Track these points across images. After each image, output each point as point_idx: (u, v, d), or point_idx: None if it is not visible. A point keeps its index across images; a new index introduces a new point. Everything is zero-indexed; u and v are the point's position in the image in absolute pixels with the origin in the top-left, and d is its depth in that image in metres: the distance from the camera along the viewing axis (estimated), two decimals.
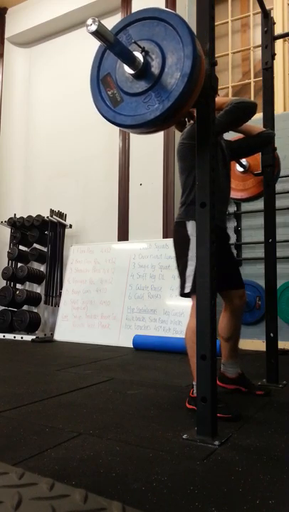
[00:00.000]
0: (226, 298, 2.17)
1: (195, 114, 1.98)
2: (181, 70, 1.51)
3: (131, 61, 1.57)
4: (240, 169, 2.67)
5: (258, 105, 2.09)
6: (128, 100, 1.64)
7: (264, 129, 2.20)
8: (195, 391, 1.79)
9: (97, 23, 1.43)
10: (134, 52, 1.59)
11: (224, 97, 2.10)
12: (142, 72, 1.58)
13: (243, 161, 2.64)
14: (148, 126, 1.62)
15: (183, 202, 2.07)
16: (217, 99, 1.96)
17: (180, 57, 1.53)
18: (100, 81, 1.72)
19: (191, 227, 1.95)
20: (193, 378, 1.85)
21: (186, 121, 2.11)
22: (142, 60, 1.58)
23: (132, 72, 1.60)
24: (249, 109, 1.96)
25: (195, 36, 1.56)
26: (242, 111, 1.94)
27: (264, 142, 2.25)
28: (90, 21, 1.43)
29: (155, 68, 1.57)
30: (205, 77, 1.56)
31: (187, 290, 1.93)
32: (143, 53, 1.58)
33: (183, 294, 1.99)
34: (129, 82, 1.63)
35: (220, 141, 2.15)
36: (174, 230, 2.09)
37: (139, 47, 1.59)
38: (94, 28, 1.43)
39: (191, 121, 2.07)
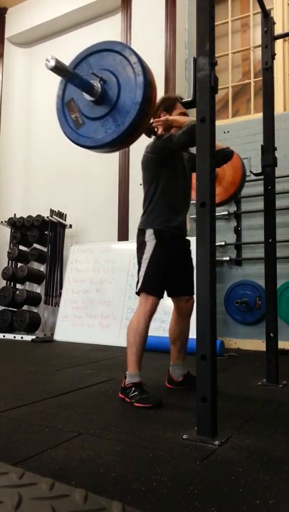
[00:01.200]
0: (175, 302, 2.33)
1: (158, 131, 2.14)
2: (133, 99, 1.71)
3: (89, 90, 1.76)
4: None
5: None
6: (89, 123, 1.83)
7: (223, 147, 2.23)
8: (127, 381, 2.05)
9: (54, 60, 1.61)
10: (92, 81, 1.77)
11: (183, 116, 2.24)
12: (100, 99, 1.78)
13: None
14: (106, 147, 1.83)
15: (144, 211, 2.23)
16: (178, 118, 2.16)
17: (133, 87, 1.72)
18: (65, 105, 1.90)
19: (148, 234, 2.15)
20: (126, 369, 2.09)
21: (153, 130, 2.20)
22: (99, 89, 1.77)
23: (91, 99, 1.78)
24: None
25: (146, 66, 1.75)
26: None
27: (222, 159, 2.29)
28: (49, 57, 1.62)
29: (112, 96, 1.77)
30: (205, 77, 1.59)
31: (137, 289, 2.13)
32: (101, 82, 1.77)
33: (137, 293, 2.16)
34: (90, 107, 1.82)
35: (182, 154, 2.30)
36: (137, 235, 2.24)
37: (97, 77, 1.78)
38: (52, 63, 1.61)
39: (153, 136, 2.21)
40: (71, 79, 1.76)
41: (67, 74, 1.73)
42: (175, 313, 2.34)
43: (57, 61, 1.62)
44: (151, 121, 2.16)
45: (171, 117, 2.18)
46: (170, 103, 2.26)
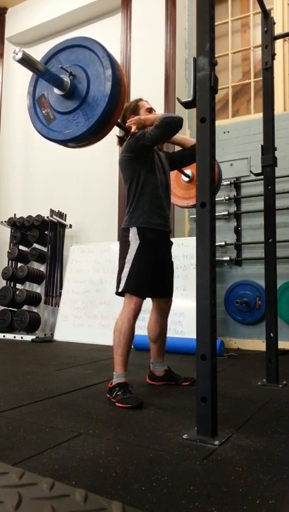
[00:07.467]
0: (156, 302, 2.40)
1: (132, 131, 2.16)
2: (102, 91, 1.73)
3: (59, 84, 1.79)
4: (186, 179, 2.84)
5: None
6: (60, 118, 1.85)
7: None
8: (113, 381, 2.06)
9: (21, 52, 1.64)
10: (62, 75, 1.79)
11: (150, 110, 2.31)
12: (70, 93, 1.80)
13: (188, 171, 2.78)
14: (78, 141, 1.84)
15: (127, 210, 2.25)
16: (150, 116, 2.20)
17: (102, 80, 1.75)
18: (36, 101, 1.93)
19: (132, 233, 2.17)
20: (113, 369, 2.11)
21: (125, 139, 2.24)
22: (69, 83, 1.79)
23: (61, 93, 1.80)
24: (175, 124, 2.13)
25: (114, 60, 1.77)
26: (168, 125, 2.12)
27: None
28: (16, 49, 1.65)
29: (81, 90, 1.79)
30: (205, 77, 1.59)
31: (120, 289, 2.15)
32: (70, 77, 1.79)
33: (117, 293, 2.19)
34: (60, 102, 1.84)
35: (158, 153, 2.33)
36: (120, 234, 2.27)
37: (66, 71, 1.80)
38: (20, 55, 1.64)
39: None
40: (40, 72, 1.77)
41: (36, 67, 1.74)
42: (154, 313, 2.39)
43: (24, 53, 1.64)
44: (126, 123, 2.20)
45: (143, 116, 2.21)
46: (133, 105, 2.31)
